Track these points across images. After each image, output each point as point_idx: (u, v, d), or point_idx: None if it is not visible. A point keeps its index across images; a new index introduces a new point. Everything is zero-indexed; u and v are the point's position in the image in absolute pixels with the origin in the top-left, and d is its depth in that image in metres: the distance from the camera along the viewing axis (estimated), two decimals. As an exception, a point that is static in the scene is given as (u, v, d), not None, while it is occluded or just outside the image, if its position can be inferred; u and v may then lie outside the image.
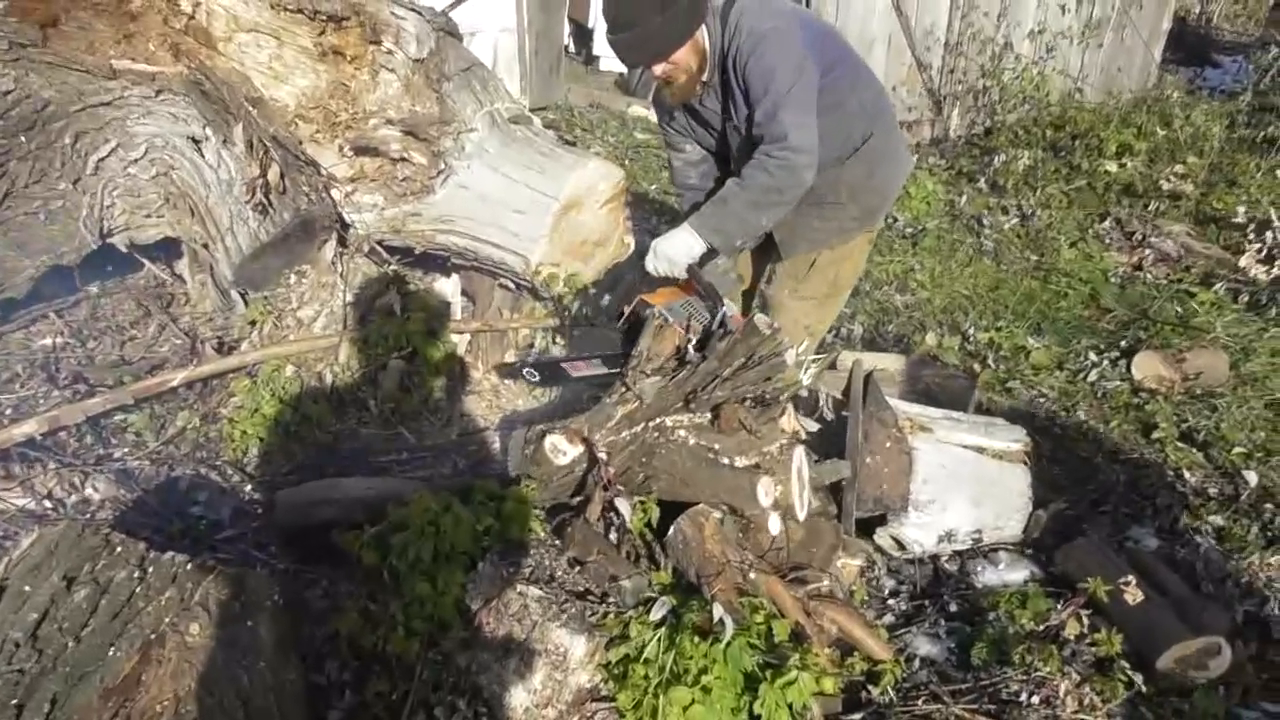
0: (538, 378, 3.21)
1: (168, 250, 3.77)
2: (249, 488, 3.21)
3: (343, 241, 3.79)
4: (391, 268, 3.85)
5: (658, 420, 2.75)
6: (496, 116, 3.81)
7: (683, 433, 2.74)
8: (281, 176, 3.47)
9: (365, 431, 3.48)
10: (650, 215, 6.19)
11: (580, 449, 2.63)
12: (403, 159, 3.70)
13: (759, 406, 2.81)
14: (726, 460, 2.72)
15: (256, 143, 3.43)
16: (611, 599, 2.49)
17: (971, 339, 5.11)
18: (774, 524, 2.66)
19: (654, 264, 3.08)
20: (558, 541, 2.65)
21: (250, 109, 3.52)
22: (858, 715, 2.50)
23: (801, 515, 2.71)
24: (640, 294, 3.02)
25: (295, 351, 3.56)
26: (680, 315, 2.90)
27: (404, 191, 3.73)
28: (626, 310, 3.02)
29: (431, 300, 3.83)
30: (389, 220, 3.76)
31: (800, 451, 2.75)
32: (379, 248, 3.84)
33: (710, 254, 3.06)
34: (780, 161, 2.87)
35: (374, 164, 3.73)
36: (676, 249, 3.02)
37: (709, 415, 2.81)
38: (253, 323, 3.66)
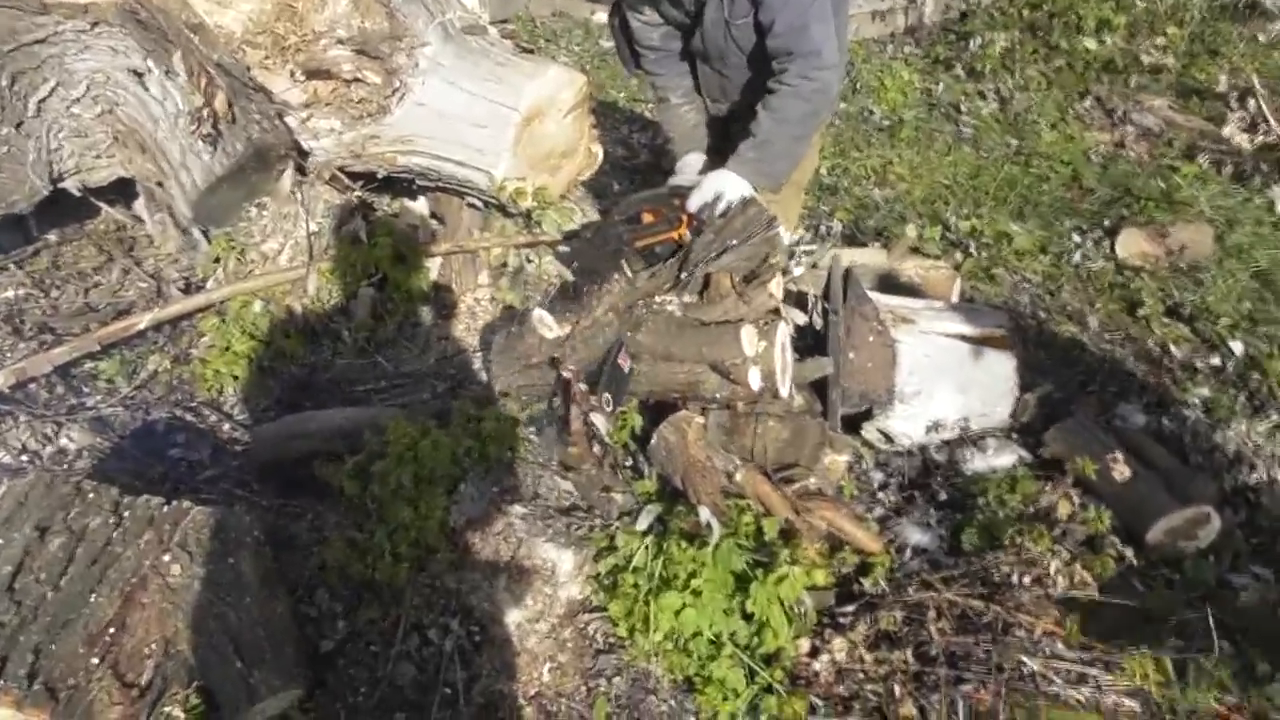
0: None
1: (124, 192, 3.66)
2: (226, 426, 3.16)
3: (301, 170, 3.67)
4: (355, 194, 3.74)
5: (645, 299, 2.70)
6: (449, 28, 3.65)
7: (671, 307, 2.70)
8: (229, 105, 3.33)
9: (341, 362, 3.42)
10: (620, 123, 6.03)
11: (566, 329, 2.58)
12: (356, 79, 3.55)
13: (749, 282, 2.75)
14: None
15: (198, 70, 3.29)
16: (597, 511, 2.48)
17: (953, 228, 5.03)
18: (754, 378, 2.54)
19: (702, 205, 2.87)
20: (540, 459, 2.62)
21: (191, 35, 3.36)
22: (850, 607, 2.51)
23: (784, 391, 2.65)
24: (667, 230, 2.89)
25: (262, 286, 3.47)
26: None
27: (360, 114, 3.60)
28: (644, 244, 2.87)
29: (399, 225, 3.73)
30: (348, 145, 3.63)
31: (784, 328, 2.67)
32: (340, 174, 3.72)
33: None
34: (815, 84, 2.77)
35: (328, 87, 3.59)
36: (732, 196, 2.85)
37: (698, 294, 2.75)
38: (217, 260, 3.56)
